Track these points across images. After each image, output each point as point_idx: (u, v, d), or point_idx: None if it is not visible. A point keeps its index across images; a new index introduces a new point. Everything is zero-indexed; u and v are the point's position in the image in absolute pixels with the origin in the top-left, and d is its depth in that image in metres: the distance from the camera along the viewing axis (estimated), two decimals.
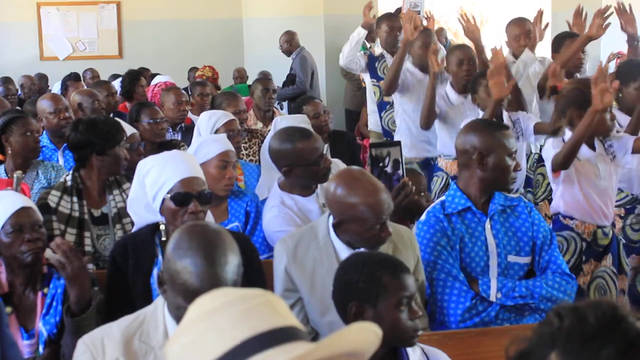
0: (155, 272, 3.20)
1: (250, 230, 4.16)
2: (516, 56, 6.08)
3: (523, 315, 3.52)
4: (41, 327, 3.23)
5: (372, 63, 7.10)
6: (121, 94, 7.86)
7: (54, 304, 3.24)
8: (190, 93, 7.74)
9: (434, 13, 8.65)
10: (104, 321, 2.80)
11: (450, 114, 5.86)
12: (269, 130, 5.15)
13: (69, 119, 5.41)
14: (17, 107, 7.29)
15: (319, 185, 4.07)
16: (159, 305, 2.57)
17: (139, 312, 2.61)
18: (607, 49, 10.29)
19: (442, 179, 5.64)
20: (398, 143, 4.01)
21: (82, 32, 11.96)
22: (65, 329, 3.12)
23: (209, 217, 3.45)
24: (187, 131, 6.14)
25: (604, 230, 4.42)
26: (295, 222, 3.91)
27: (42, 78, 10.31)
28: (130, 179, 3.74)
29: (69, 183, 4.16)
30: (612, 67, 9.30)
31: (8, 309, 3.20)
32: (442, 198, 3.68)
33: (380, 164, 3.84)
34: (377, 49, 7.27)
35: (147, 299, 3.01)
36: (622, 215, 4.92)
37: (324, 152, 4.18)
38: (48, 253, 3.14)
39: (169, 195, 3.18)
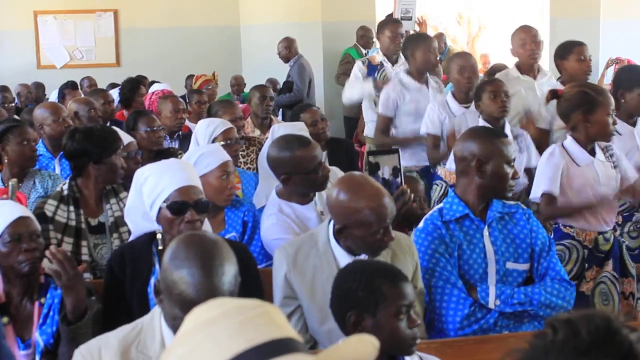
0: (152, 281, 3.19)
1: (247, 240, 4.15)
2: (521, 66, 6.02)
3: (522, 322, 3.51)
4: (38, 337, 3.21)
5: (371, 73, 7.05)
6: (120, 102, 7.85)
7: (51, 313, 3.23)
8: (187, 101, 7.73)
9: (432, 19, 8.67)
10: (102, 331, 2.79)
11: (451, 124, 5.73)
12: (266, 138, 5.15)
13: (70, 127, 5.41)
14: (15, 116, 7.28)
15: (317, 193, 4.06)
16: (156, 315, 2.56)
17: (136, 321, 2.60)
18: (605, 55, 10.30)
19: (442, 188, 5.60)
20: (396, 150, 4.01)
21: (79, 40, 11.95)
22: (61, 339, 3.11)
23: (207, 227, 3.44)
24: (185, 139, 6.14)
25: (605, 236, 4.40)
26: (293, 230, 3.90)
27: (39, 87, 10.30)
28: (127, 187, 3.74)
29: (65, 192, 4.15)
30: (610, 73, 9.34)
31: (5, 319, 3.19)
32: (440, 205, 3.68)
33: (378, 172, 3.84)
34: (377, 56, 7.18)
35: (145, 308, 3.01)
36: (620, 222, 4.91)
37: (322, 160, 4.17)
38: (44, 262, 3.13)
39: (165, 204, 3.17)
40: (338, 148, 5.95)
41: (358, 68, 7.16)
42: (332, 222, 3.23)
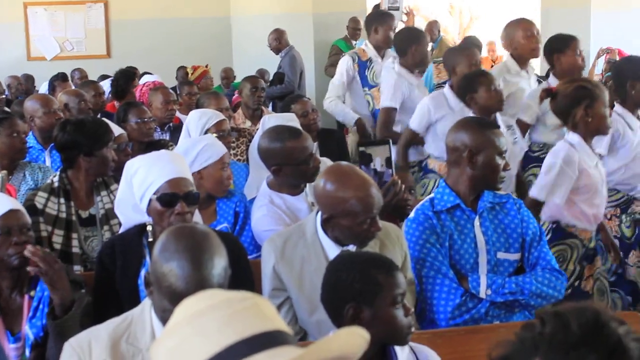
0: (142, 273, 3.18)
1: (238, 231, 4.16)
2: (519, 60, 5.99)
3: (513, 311, 3.52)
4: (28, 330, 3.20)
5: (362, 70, 6.95)
6: (113, 94, 7.84)
7: (41, 306, 3.21)
8: (178, 92, 7.72)
9: (424, 9, 8.66)
10: (92, 323, 2.78)
11: (448, 118, 5.50)
12: (257, 129, 5.14)
13: (61, 119, 5.39)
14: (5, 108, 7.26)
15: (307, 185, 4.05)
16: (146, 307, 2.56)
17: (126, 314, 2.60)
18: (595, 45, 10.32)
19: (435, 181, 5.56)
20: (387, 142, 4.01)
21: (69, 31, 11.92)
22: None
23: (198, 218, 3.44)
24: (175, 131, 6.13)
25: (593, 233, 4.43)
26: (284, 221, 3.90)
27: (29, 79, 10.27)
28: (118, 179, 3.73)
29: (56, 184, 4.14)
30: (600, 63, 9.36)
31: None
32: (432, 195, 3.68)
33: (370, 163, 3.84)
34: (367, 51, 7.09)
35: (135, 301, 3.00)
36: (618, 214, 4.93)
37: (313, 151, 4.17)
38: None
39: (155, 196, 3.17)
40: (329, 139, 5.94)
41: (347, 67, 6.97)
42: (320, 213, 3.24)
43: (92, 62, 11.13)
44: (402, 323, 2.57)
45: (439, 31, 11.14)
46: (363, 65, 6.94)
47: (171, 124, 6.45)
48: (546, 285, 3.52)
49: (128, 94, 7.66)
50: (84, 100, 6.18)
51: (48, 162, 5.31)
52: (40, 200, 4.08)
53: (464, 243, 3.57)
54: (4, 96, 8.80)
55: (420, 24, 13.42)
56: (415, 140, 5.78)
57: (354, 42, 9.88)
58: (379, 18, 7.08)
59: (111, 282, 3.27)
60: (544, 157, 4.47)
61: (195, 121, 5.01)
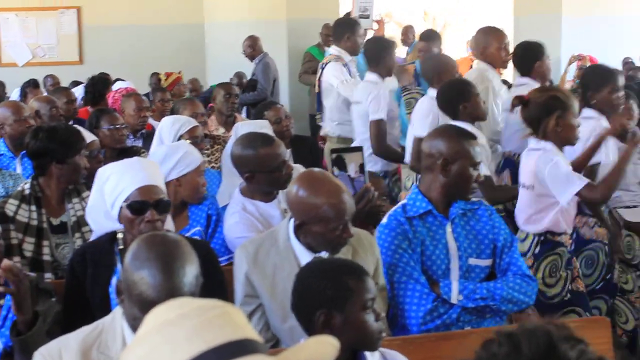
0: (114, 281, 3.17)
1: (211, 233, 4.17)
2: (496, 67, 6.03)
3: (484, 317, 3.54)
4: None
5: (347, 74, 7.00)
6: (87, 100, 7.80)
7: (10, 315, 3.19)
8: (151, 99, 7.70)
9: (397, 16, 8.68)
10: (63, 332, 2.76)
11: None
12: (230, 136, 5.14)
13: (32, 127, 5.36)
14: None
15: (280, 191, 4.06)
16: (117, 316, 2.55)
17: (97, 322, 2.59)
18: (566, 52, 10.39)
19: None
20: (360, 148, 4.02)
21: (41, 37, 11.84)
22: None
23: (170, 226, 3.44)
24: (148, 137, 6.11)
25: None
26: (257, 227, 3.90)
27: (0, 85, 10.19)
28: (89, 186, 3.71)
29: (27, 191, 4.12)
30: (572, 70, 9.42)
31: None
32: (404, 201, 3.70)
33: (344, 170, 3.85)
34: (344, 56, 7.09)
35: (106, 309, 2.98)
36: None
37: (286, 158, 4.18)
38: None
39: (125, 204, 3.17)
40: (302, 146, 5.95)
41: (341, 71, 6.96)
42: (292, 220, 3.24)
43: (65, 69, 11.04)
44: (372, 328, 2.59)
45: (414, 36, 11.20)
46: (347, 68, 7.00)
47: (144, 131, 6.44)
48: (517, 290, 3.54)
49: (104, 100, 7.64)
50: (55, 107, 6.15)
51: (19, 170, 5.28)
52: (11, 207, 4.05)
53: (436, 249, 3.58)
54: None
55: (394, 30, 13.49)
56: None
57: (327, 49, 9.89)
58: (352, 26, 7.11)
59: (82, 290, 3.25)
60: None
61: (168, 127, 5.01)
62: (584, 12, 12.02)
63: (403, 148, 6.07)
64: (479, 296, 3.50)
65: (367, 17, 8.10)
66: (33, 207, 4.09)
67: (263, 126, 4.82)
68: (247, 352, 1.48)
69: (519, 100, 4.52)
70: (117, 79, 8.78)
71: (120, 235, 3.26)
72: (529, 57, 5.81)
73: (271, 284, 3.21)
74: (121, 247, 3.22)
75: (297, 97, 10.57)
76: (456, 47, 14.47)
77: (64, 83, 9.28)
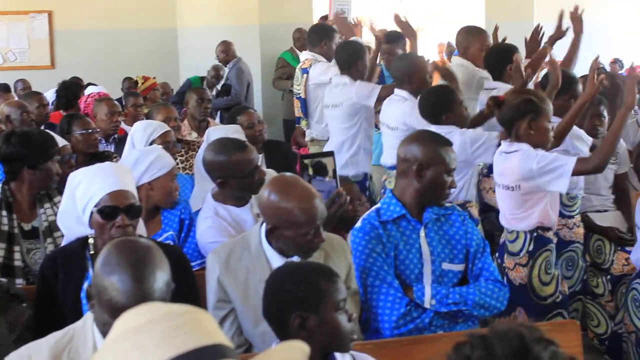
0: (85, 286, 3.15)
1: (184, 238, 4.16)
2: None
3: (456, 322, 3.55)
4: None
5: None
6: (61, 104, 7.75)
7: None
8: (124, 104, 7.67)
9: (369, 18, 8.68)
10: (34, 337, 2.74)
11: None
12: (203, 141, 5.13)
13: (3, 132, 5.32)
14: None
15: (253, 196, 4.06)
16: (88, 321, 2.54)
17: (67, 327, 2.58)
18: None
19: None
20: (331, 153, 4.02)
21: (12, 42, 11.74)
22: None
23: (142, 230, 3.42)
24: (120, 142, 6.09)
25: None
26: (229, 232, 3.90)
27: None
28: (61, 192, 3.70)
29: None
30: (543, 74, 9.47)
31: None
32: (378, 205, 3.71)
33: (318, 175, 3.85)
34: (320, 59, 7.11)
35: (78, 314, 2.96)
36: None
37: (259, 163, 4.18)
38: None
39: (96, 209, 3.15)
40: (275, 151, 5.94)
41: (329, 68, 6.95)
42: (264, 224, 3.24)
43: (36, 73, 10.97)
44: (346, 328, 2.62)
45: None
46: None
47: (116, 136, 6.41)
48: (489, 296, 3.56)
49: (75, 105, 7.60)
50: (26, 112, 6.12)
51: None
52: None
53: (409, 253, 3.60)
54: None
55: (366, 35, 13.49)
56: None
57: (301, 53, 9.89)
58: (329, 33, 7.13)
59: (53, 295, 3.24)
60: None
61: (140, 132, 5.00)
62: (556, 18, 12.09)
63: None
64: (452, 301, 3.52)
65: (345, 19, 8.10)
66: (4, 212, 4.06)
67: (235, 131, 4.82)
68: (217, 357, 1.47)
69: (494, 102, 4.53)
70: (89, 84, 8.74)
71: (91, 241, 3.25)
72: (501, 61, 5.81)
73: (243, 289, 3.21)
74: (92, 252, 3.21)
75: (271, 101, 10.56)
76: (429, 51, 14.52)
77: (36, 88, 9.20)
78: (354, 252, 3.55)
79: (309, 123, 7.20)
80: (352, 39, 6.96)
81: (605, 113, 5.54)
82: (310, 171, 3.87)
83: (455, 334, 3.31)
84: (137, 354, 1.46)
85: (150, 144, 4.89)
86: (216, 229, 3.92)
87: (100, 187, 3.17)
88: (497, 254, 4.46)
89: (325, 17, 8.43)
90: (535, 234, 4.32)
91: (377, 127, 6.45)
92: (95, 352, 2.42)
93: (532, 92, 4.50)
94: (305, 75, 7.14)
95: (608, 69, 11.93)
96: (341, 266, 3.31)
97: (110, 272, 2.35)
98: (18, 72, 10.63)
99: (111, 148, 6.25)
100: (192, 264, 3.76)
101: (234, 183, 3.99)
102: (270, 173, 4.28)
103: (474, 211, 5.06)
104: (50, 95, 7.92)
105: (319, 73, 7.02)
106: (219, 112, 9.55)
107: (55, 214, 4.03)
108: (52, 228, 4.08)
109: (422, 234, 3.62)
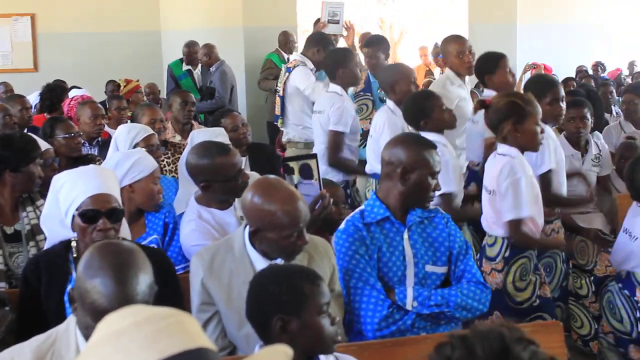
0: (69, 289, 3.14)
1: (168, 241, 4.15)
2: (460, 75, 6.09)
3: (439, 324, 3.56)
4: None
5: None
6: (42, 107, 7.72)
7: None
8: (107, 107, 7.65)
9: (354, 23, 8.68)
10: (17, 341, 2.74)
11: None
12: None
13: None
14: None
15: (236, 199, 4.05)
16: (71, 324, 2.53)
17: (50, 331, 2.57)
18: (522, 60, 10.51)
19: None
20: (314, 156, 4.01)
21: None
22: None
23: (126, 233, 3.42)
24: (104, 145, 6.07)
25: None
26: (213, 235, 3.89)
27: None
28: (44, 195, 3.69)
29: None
30: (527, 78, 9.53)
31: None
32: (362, 207, 3.72)
33: (305, 178, 3.85)
34: (308, 64, 7.10)
35: (61, 317, 2.95)
36: None
37: (243, 166, 4.17)
38: None
39: (77, 212, 3.15)
40: (259, 154, 5.93)
41: (309, 75, 6.97)
42: (247, 227, 3.24)
43: (19, 76, 10.92)
44: (328, 332, 2.62)
45: None
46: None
47: (100, 139, 6.40)
48: (471, 298, 3.58)
49: (59, 108, 7.58)
50: (9, 115, 6.10)
51: None
52: None
53: (393, 255, 3.61)
54: None
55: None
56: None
57: (286, 56, 9.90)
58: (325, 44, 7.10)
59: (36, 298, 3.23)
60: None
61: (124, 135, 4.99)
62: (539, 21, 12.17)
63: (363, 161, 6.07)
64: (434, 303, 3.53)
65: (337, 22, 8.07)
66: None
67: (219, 134, 4.82)
68: None
69: (481, 105, 4.54)
70: (73, 87, 8.71)
71: (74, 244, 3.24)
72: (483, 70, 5.85)
73: (227, 291, 3.21)
74: (75, 255, 3.21)
75: (255, 104, 10.56)
76: (412, 54, 14.58)
77: (19, 91, 9.16)
78: (338, 253, 3.56)
79: (285, 122, 7.20)
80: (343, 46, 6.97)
81: (588, 115, 5.57)
82: (297, 174, 3.86)
83: (438, 336, 3.31)
84: (120, 358, 1.46)
85: (134, 147, 4.88)
86: (200, 232, 3.92)
87: (82, 191, 3.17)
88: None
89: (317, 20, 8.41)
90: (512, 241, 4.34)
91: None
92: (78, 355, 2.42)
93: (517, 95, 4.51)
94: (287, 74, 7.15)
95: (590, 71, 12.01)
96: (325, 268, 3.32)
97: (92, 275, 2.35)
98: (1, 75, 10.58)
99: (95, 151, 6.23)
100: (177, 267, 3.76)
101: (218, 186, 3.98)
102: (254, 176, 4.28)
103: None
104: (33, 98, 7.90)
105: (298, 77, 7.03)
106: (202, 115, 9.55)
107: (38, 218, 4.02)
108: (35, 231, 4.06)
109: (406, 236, 3.63)
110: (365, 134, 6.38)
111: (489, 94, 5.66)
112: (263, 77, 9.97)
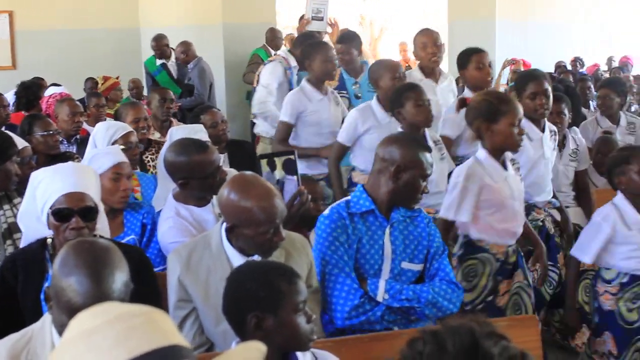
0: (45, 287, 3.14)
1: (145, 243, 4.14)
2: (424, 69, 6.11)
3: (409, 319, 3.58)
4: None
5: (291, 76, 7.00)
6: (20, 105, 7.69)
7: None
8: (86, 104, 7.63)
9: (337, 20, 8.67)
10: None
11: (374, 131, 5.47)
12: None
13: None
14: None
15: (214, 196, 4.05)
16: (47, 322, 2.52)
17: (26, 329, 2.57)
18: (501, 56, 10.55)
19: None
20: (292, 152, 4.01)
21: None
22: None
23: (105, 230, 3.41)
24: (83, 143, 6.06)
25: (512, 248, 4.40)
26: (191, 232, 3.89)
27: None
28: (21, 193, 3.68)
29: None
30: (505, 74, 9.59)
31: None
32: (348, 197, 3.74)
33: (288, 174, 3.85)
34: (290, 60, 7.09)
35: (38, 316, 2.93)
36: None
37: (221, 162, 4.17)
38: None
39: (51, 210, 3.14)
40: (238, 150, 5.93)
41: (279, 72, 6.98)
42: (224, 223, 3.25)
43: None
44: (304, 330, 2.62)
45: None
46: (291, 71, 7.02)
47: (78, 136, 6.38)
48: (442, 296, 3.60)
49: (37, 105, 7.55)
50: None
51: None
52: None
53: (372, 248, 3.63)
54: None
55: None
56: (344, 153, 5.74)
57: (273, 52, 9.89)
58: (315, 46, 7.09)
59: (13, 297, 3.21)
60: None
61: (103, 133, 4.97)
62: (518, 18, 12.22)
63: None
64: (405, 297, 3.56)
65: (321, 19, 8.06)
66: None
67: (198, 131, 4.80)
68: (173, 358, 1.48)
69: (461, 103, 4.55)
70: (52, 84, 8.67)
71: (50, 241, 3.23)
72: (458, 66, 5.89)
73: (204, 288, 3.21)
74: (52, 253, 3.20)
75: (234, 101, 10.55)
76: (393, 51, 14.61)
77: None
78: (318, 238, 3.59)
79: (255, 115, 7.23)
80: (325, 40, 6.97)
81: (566, 111, 5.61)
82: (279, 169, 3.86)
83: (415, 332, 3.33)
84: (91, 356, 1.46)
85: (113, 144, 4.86)
86: (177, 229, 3.91)
87: (57, 188, 3.16)
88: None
89: (301, 17, 8.40)
90: (465, 240, 4.36)
91: None
92: None
93: (493, 94, 4.48)
94: (263, 67, 7.17)
95: (569, 67, 12.08)
96: (302, 265, 3.32)
97: (68, 273, 2.34)
98: None
99: (73, 149, 6.22)
100: (155, 269, 3.74)
101: (196, 184, 3.98)
102: (232, 173, 4.28)
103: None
104: (11, 96, 7.86)
105: (266, 72, 7.08)
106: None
107: (15, 216, 4.00)
108: (12, 229, 4.05)
109: (388, 231, 3.65)
110: None
111: (468, 92, 5.71)
112: (248, 71, 9.94)
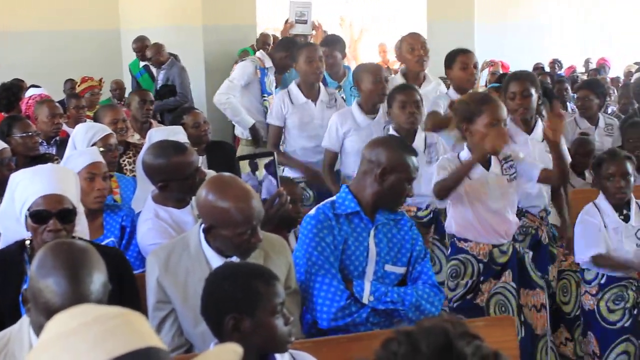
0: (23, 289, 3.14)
1: (125, 245, 4.13)
2: (408, 73, 6.11)
3: (392, 321, 3.60)
4: None
5: (262, 77, 6.97)
6: (1, 105, 7.65)
7: None
8: (66, 105, 7.60)
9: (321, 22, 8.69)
10: None
11: (353, 134, 5.52)
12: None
13: None
14: None
15: (193, 197, 4.05)
16: (25, 324, 2.52)
17: (4, 331, 2.57)
18: (480, 57, 10.58)
19: None
20: (271, 153, 4.03)
21: None
22: None
23: (84, 232, 3.41)
24: (62, 144, 6.03)
25: (501, 249, 4.40)
26: (170, 234, 3.88)
27: None
28: (0, 195, 3.66)
29: None
30: (484, 75, 9.63)
31: None
32: (333, 198, 3.76)
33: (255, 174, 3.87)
34: (265, 60, 7.11)
35: (16, 318, 2.93)
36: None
37: (200, 164, 4.17)
38: None
39: (28, 212, 3.14)
40: (219, 151, 5.93)
41: (249, 71, 6.94)
42: (203, 224, 3.26)
43: None
44: (282, 332, 2.64)
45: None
46: (263, 72, 6.97)
47: (58, 138, 6.36)
48: (425, 299, 3.63)
49: (16, 106, 7.52)
50: None
51: None
52: None
53: (357, 250, 3.65)
54: None
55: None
56: (334, 160, 5.72)
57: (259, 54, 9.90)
58: (293, 53, 7.08)
59: None
60: None
61: (82, 134, 4.95)
62: (496, 19, 12.29)
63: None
64: (390, 299, 3.58)
65: (305, 22, 8.06)
66: None
67: (177, 132, 4.81)
68: None
69: (449, 105, 4.60)
70: (32, 86, 8.64)
71: (28, 242, 3.23)
72: (445, 66, 5.92)
73: (183, 289, 3.21)
74: (30, 254, 3.19)
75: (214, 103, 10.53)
76: (372, 52, 14.62)
77: None
78: (304, 237, 3.59)
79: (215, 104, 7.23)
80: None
81: (544, 113, 5.63)
82: (261, 169, 3.88)
83: (389, 332, 3.35)
84: (69, 357, 1.46)
85: (92, 146, 4.85)
86: (156, 230, 3.91)
87: (35, 190, 3.16)
88: None
89: (286, 21, 8.42)
90: (451, 240, 4.40)
91: None
92: None
93: (473, 95, 4.52)
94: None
95: (548, 69, 12.14)
96: (281, 266, 3.33)
97: (45, 274, 2.34)
98: None
99: (53, 150, 6.20)
100: (135, 272, 3.74)
101: (175, 185, 3.97)
102: (211, 174, 4.28)
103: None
104: None
105: (237, 69, 7.10)
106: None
107: None
108: None
109: (372, 233, 3.67)
110: None
111: (453, 92, 5.75)
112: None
